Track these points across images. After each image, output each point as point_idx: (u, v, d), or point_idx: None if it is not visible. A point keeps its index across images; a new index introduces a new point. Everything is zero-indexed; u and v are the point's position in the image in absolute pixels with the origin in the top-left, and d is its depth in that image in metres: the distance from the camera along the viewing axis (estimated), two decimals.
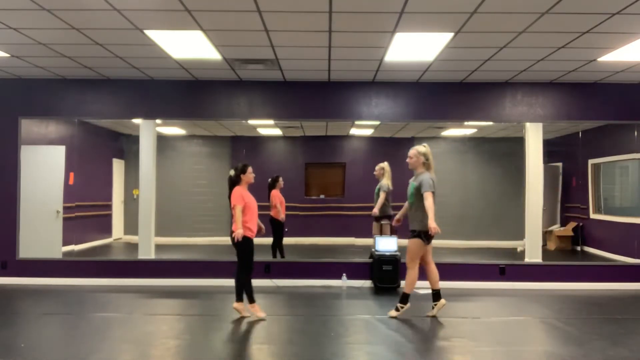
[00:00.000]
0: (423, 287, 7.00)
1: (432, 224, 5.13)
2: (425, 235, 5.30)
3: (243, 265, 5.39)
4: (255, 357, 4.28)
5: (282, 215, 7.61)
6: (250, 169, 5.49)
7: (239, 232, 5.16)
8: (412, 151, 5.53)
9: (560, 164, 9.11)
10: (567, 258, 8.37)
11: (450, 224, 10.25)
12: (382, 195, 7.19)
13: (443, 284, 7.11)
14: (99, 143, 9.05)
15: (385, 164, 7.46)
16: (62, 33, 5.13)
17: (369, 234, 7.34)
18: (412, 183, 5.48)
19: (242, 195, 5.31)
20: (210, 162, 10.46)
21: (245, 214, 5.27)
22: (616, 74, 6.65)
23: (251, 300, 5.42)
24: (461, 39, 5.23)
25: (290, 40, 5.33)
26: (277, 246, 7.57)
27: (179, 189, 9.99)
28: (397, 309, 5.47)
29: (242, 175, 5.42)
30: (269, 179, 7.70)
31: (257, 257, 7.34)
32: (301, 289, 6.85)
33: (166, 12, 4.52)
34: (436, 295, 5.52)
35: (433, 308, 5.50)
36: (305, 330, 5.00)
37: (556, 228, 9.02)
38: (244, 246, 5.30)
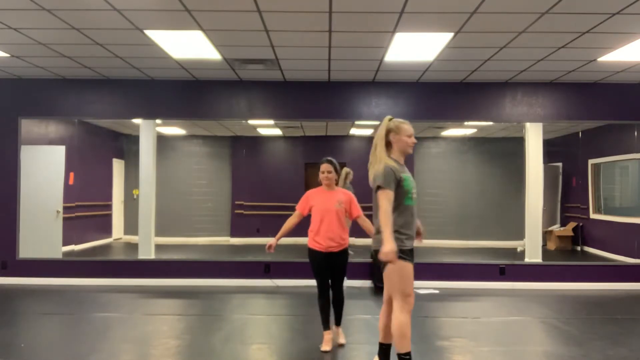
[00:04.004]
0: (423, 287, 7.00)
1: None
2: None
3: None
4: (255, 357, 4.28)
5: None
6: (322, 167, 4.40)
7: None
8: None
9: (560, 164, 9.12)
10: (567, 258, 8.37)
11: (451, 224, 10.29)
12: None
13: (443, 284, 7.18)
14: (99, 143, 9.05)
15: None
16: (62, 33, 5.13)
17: (369, 235, 7.29)
18: (408, 177, 3.57)
19: (307, 197, 4.45)
20: (210, 162, 10.47)
21: (312, 221, 4.41)
22: (616, 74, 6.65)
23: (323, 327, 4.43)
24: (461, 39, 5.22)
25: (290, 40, 5.33)
26: None
27: (179, 189, 10.00)
28: None
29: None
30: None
31: (257, 257, 7.39)
32: (301, 289, 6.85)
33: (166, 12, 4.52)
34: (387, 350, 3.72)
35: None
36: (305, 330, 4.99)
37: (556, 228, 9.02)
38: (309, 259, 4.45)
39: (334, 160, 4.44)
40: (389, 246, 3.25)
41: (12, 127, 7.25)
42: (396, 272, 3.40)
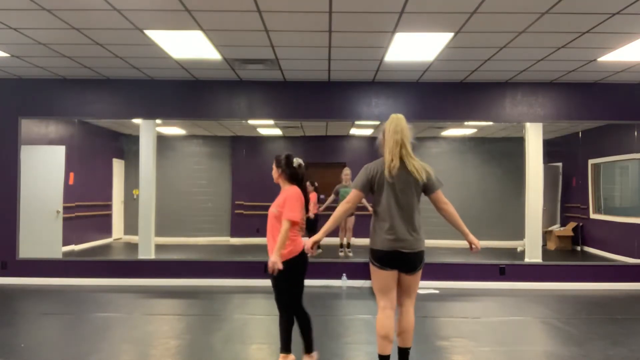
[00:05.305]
0: (423, 287, 7.00)
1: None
2: None
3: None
4: (255, 357, 4.28)
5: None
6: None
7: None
8: None
9: (560, 164, 9.12)
10: (567, 258, 8.37)
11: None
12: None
13: (443, 284, 7.18)
14: (99, 143, 9.06)
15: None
16: (62, 33, 5.13)
17: (369, 234, 7.33)
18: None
19: None
20: (210, 162, 10.47)
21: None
22: (616, 74, 6.65)
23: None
24: (461, 39, 5.22)
25: (290, 40, 5.33)
26: None
27: (179, 189, 10.00)
28: None
29: None
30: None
31: (257, 257, 7.37)
32: None
33: (166, 12, 4.52)
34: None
35: None
36: None
37: (556, 228, 9.02)
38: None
39: (284, 155, 3.81)
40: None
41: (12, 127, 7.25)
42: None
